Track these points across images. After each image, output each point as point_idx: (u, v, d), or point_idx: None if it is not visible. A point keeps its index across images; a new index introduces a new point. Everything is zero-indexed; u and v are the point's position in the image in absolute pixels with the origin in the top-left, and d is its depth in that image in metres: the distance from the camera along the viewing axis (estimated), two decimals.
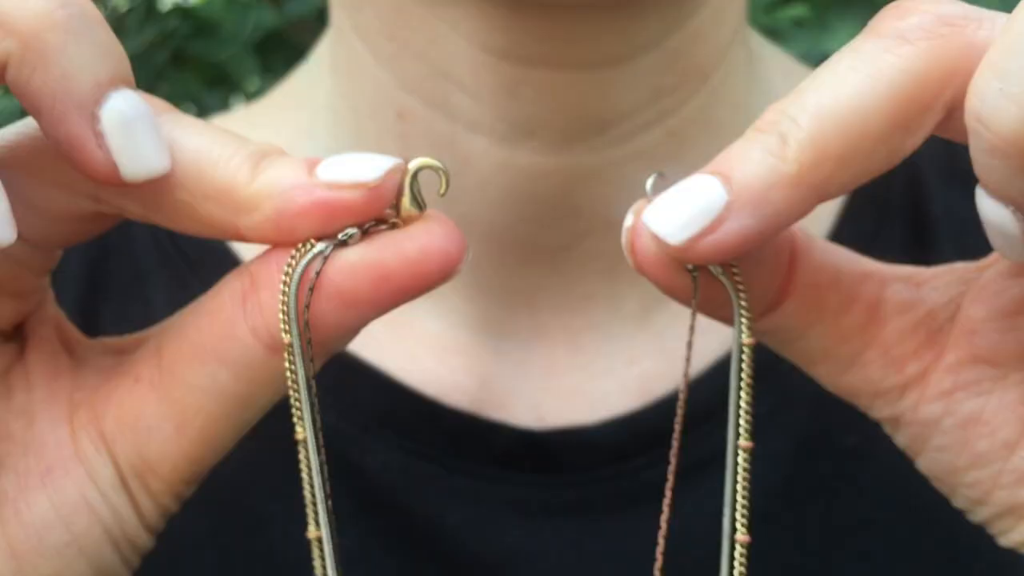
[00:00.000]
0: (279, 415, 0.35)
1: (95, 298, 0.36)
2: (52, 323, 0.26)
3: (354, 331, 0.23)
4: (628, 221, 0.23)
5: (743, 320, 0.23)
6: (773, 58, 0.38)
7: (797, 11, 0.71)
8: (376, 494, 0.35)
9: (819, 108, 0.21)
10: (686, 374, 0.25)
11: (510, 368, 0.36)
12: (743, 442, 0.24)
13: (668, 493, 0.26)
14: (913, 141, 0.21)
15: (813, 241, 0.25)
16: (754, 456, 0.34)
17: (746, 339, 0.23)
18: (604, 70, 0.32)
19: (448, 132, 0.33)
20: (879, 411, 0.25)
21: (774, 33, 0.70)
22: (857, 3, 0.69)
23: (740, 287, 0.23)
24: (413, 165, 0.23)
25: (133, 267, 0.37)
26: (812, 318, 0.24)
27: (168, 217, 0.23)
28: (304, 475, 0.24)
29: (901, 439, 0.25)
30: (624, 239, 0.23)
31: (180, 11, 0.81)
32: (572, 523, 0.35)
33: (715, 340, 0.36)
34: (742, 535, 0.24)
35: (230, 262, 0.36)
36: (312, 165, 0.22)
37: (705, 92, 0.34)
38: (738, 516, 0.24)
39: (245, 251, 0.36)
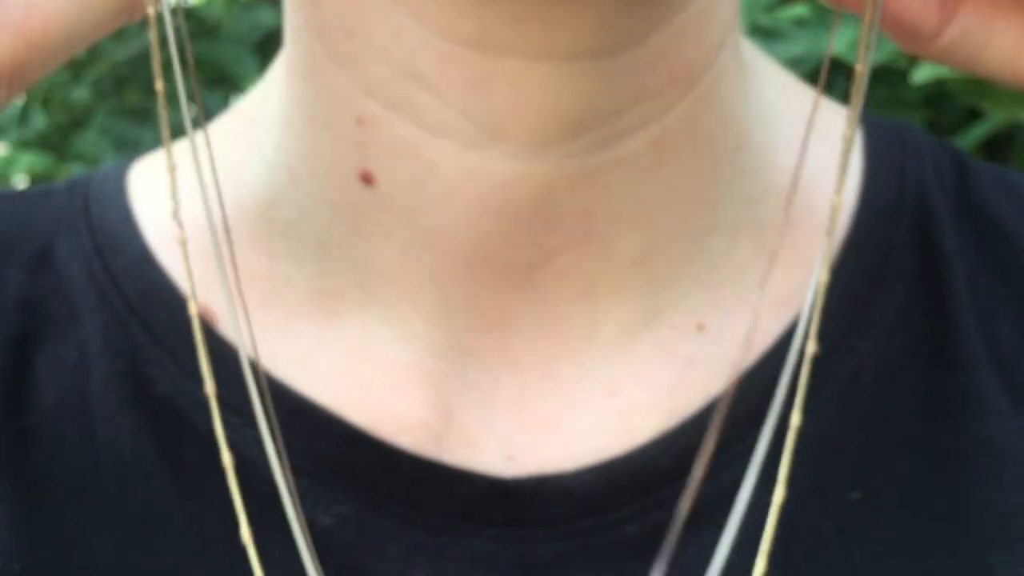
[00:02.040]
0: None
1: (27, 348, 0.34)
2: None
3: None
4: None
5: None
6: (767, 71, 0.37)
7: (797, 11, 0.70)
8: (331, 552, 0.33)
9: None
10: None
11: (477, 398, 0.34)
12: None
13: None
14: None
15: None
16: (750, 508, 0.33)
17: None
18: (581, 62, 0.30)
19: (412, 137, 0.31)
20: None
21: (774, 33, 0.70)
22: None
23: None
24: None
25: (68, 309, 0.35)
26: (993, 12, 0.25)
27: None
28: None
29: None
30: None
31: (180, 11, 0.81)
32: None
33: (705, 374, 0.34)
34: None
35: (172, 299, 0.34)
36: None
37: (691, 99, 0.32)
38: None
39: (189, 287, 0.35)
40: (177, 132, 0.43)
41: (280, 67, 0.35)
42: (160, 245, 0.35)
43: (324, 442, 0.33)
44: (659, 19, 0.30)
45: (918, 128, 0.38)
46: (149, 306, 0.34)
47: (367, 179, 0.32)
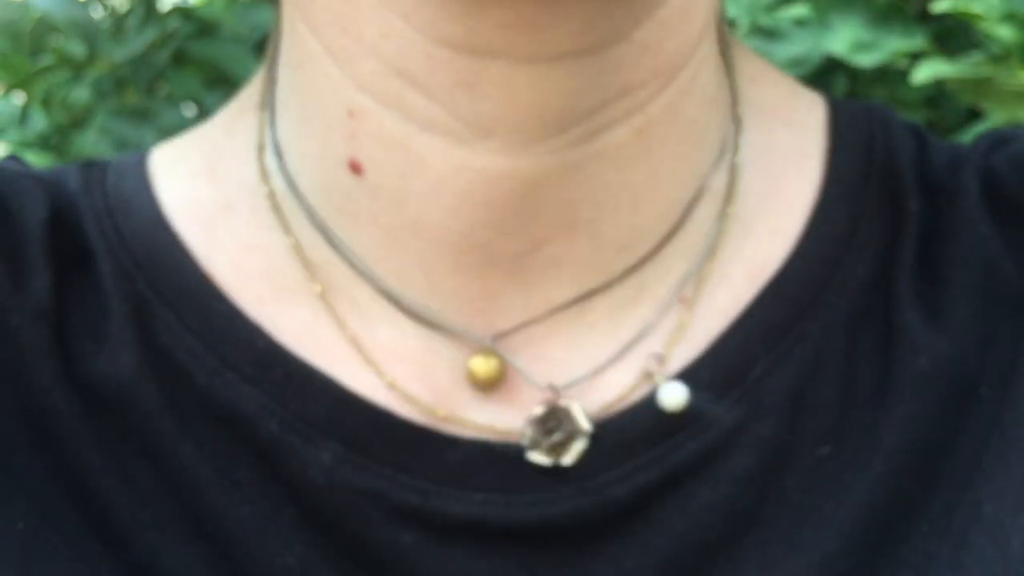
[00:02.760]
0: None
1: (63, 290, 0.36)
2: None
3: None
4: None
5: None
6: (741, 56, 0.38)
7: (797, 11, 0.70)
8: (321, 511, 0.34)
9: None
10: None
11: (465, 378, 0.35)
12: None
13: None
14: None
15: None
16: (721, 475, 0.34)
17: None
18: (566, 63, 0.30)
19: (401, 132, 0.32)
20: None
21: (774, 33, 0.70)
22: (858, 3, 0.69)
23: None
24: None
25: (89, 258, 0.36)
26: None
27: None
28: None
29: None
30: None
31: (180, 11, 0.81)
32: (535, 545, 0.33)
33: (686, 344, 0.35)
34: None
35: (181, 262, 0.36)
36: None
37: (674, 88, 0.33)
38: None
39: (198, 250, 0.36)
40: (174, 132, 0.43)
41: (276, 58, 0.36)
42: (176, 214, 0.37)
43: (316, 403, 0.34)
44: (643, 14, 0.31)
45: (884, 105, 0.39)
46: (156, 266, 0.36)
47: (356, 168, 0.33)
